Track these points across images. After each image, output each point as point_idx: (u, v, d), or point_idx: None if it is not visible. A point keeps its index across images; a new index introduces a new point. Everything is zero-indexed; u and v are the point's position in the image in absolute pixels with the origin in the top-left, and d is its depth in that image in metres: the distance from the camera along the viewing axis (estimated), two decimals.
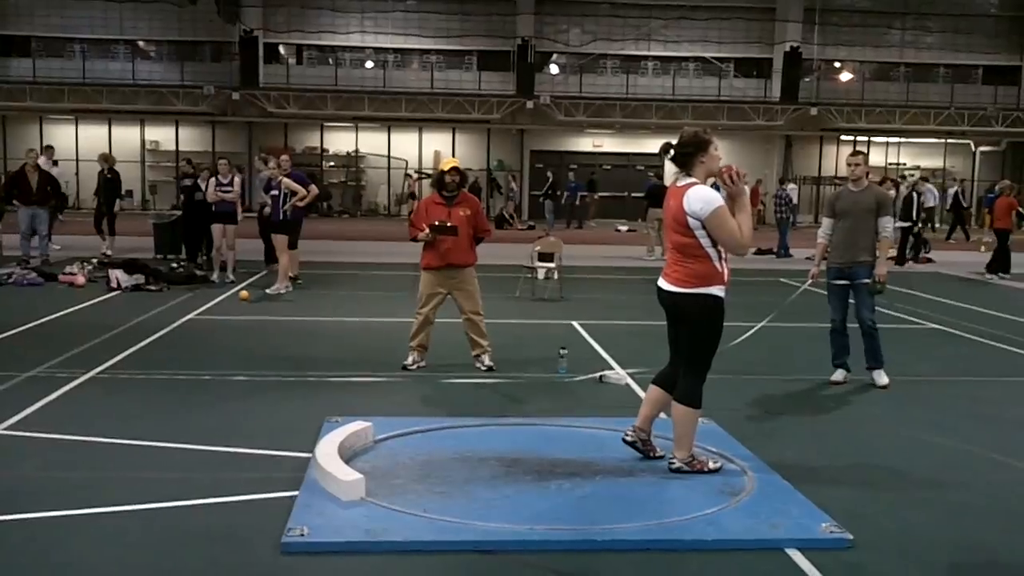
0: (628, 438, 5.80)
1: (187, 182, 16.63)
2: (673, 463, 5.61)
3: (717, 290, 5.39)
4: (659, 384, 5.78)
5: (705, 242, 5.34)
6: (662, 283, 5.56)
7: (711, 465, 5.63)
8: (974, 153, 37.28)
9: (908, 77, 36.44)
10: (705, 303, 5.39)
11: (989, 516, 5.18)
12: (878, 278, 8.22)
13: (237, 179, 14.61)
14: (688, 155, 5.41)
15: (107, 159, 18.14)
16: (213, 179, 14.51)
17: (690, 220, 5.30)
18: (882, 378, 8.34)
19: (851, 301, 8.37)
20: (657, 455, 5.80)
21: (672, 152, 5.49)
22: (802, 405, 7.78)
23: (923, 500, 5.43)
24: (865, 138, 35.58)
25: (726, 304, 5.49)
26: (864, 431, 6.97)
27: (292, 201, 13.29)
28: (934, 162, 37.26)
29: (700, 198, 5.28)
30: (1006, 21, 36.65)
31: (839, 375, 8.45)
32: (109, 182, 17.82)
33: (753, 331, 8.87)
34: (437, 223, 8.29)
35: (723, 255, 5.41)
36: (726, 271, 5.43)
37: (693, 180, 5.40)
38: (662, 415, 5.85)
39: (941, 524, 5.07)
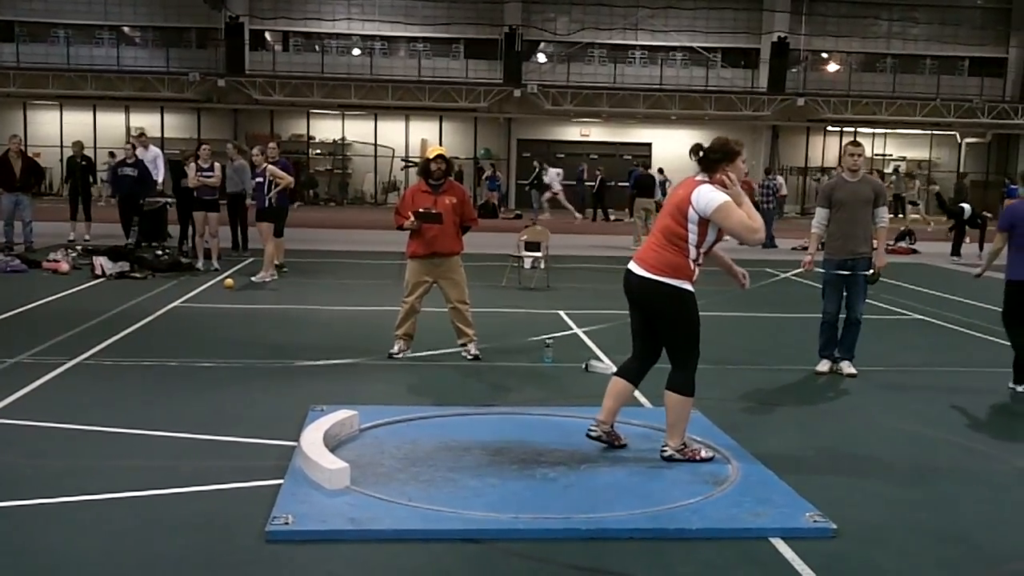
0: (593, 433, 5.79)
1: (127, 170, 16.09)
2: (665, 451, 5.64)
3: (686, 284, 5.50)
4: (623, 376, 5.81)
5: (692, 238, 5.45)
6: (634, 267, 5.63)
7: (703, 454, 5.66)
8: (960, 145, 37.43)
9: (895, 68, 36.55)
10: (673, 293, 5.48)
11: (972, 506, 5.22)
12: (877, 268, 8.24)
13: (217, 166, 14.55)
14: (715, 162, 5.56)
15: (78, 146, 18.17)
16: (194, 165, 14.45)
17: (691, 212, 5.43)
18: (851, 368, 8.39)
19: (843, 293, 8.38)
20: (622, 444, 5.83)
21: (702, 154, 5.63)
22: (787, 395, 7.81)
23: (906, 490, 5.46)
24: (851, 129, 35.68)
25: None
26: (848, 421, 7.00)
27: (277, 188, 13.24)
28: (920, 153, 37.42)
29: (708, 194, 5.43)
30: (992, 13, 36.76)
31: (825, 365, 8.47)
32: (84, 169, 17.72)
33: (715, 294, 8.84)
34: (422, 210, 8.27)
35: (699, 257, 5.53)
36: (696, 271, 5.55)
37: (707, 179, 5.54)
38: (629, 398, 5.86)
39: (924, 514, 5.09)
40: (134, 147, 16.92)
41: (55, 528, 4.55)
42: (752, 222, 5.46)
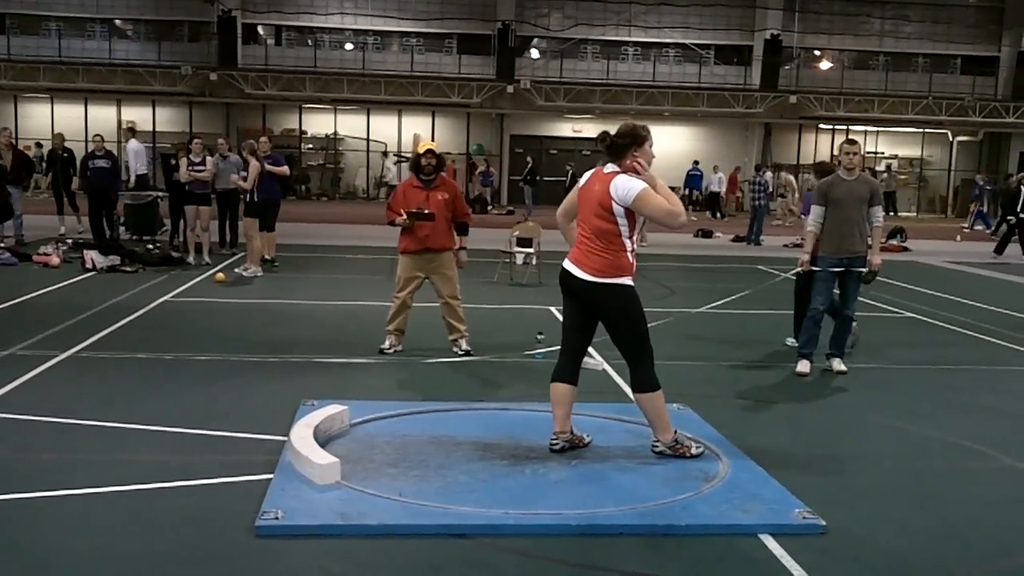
0: (556, 447, 5.70)
1: (101, 163, 15.70)
2: (657, 446, 5.66)
3: (629, 280, 5.52)
4: (561, 380, 5.76)
5: (624, 231, 5.45)
6: (574, 270, 5.57)
7: (694, 450, 5.67)
8: (951, 143, 37.52)
9: (887, 66, 36.59)
10: (623, 292, 5.50)
11: (961, 503, 5.23)
12: (873, 267, 8.23)
13: (209, 159, 14.50)
14: (624, 146, 5.51)
15: (59, 137, 18.14)
16: (185, 159, 14.40)
17: (615, 206, 5.40)
18: (842, 365, 8.40)
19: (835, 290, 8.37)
20: (585, 443, 5.81)
21: (608, 141, 5.59)
22: (777, 392, 7.81)
23: (896, 487, 5.48)
24: (844, 127, 35.74)
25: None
26: (838, 418, 7.02)
27: (237, 181, 13.19)
28: (912, 151, 37.51)
29: (625, 184, 5.39)
30: (985, 12, 36.82)
31: (805, 366, 8.33)
32: (65, 161, 17.64)
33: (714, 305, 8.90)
34: (415, 210, 8.26)
35: (634, 247, 5.54)
36: (635, 262, 5.57)
37: (618, 169, 5.50)
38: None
39: (913, 511, 5.10)
40: (102, 139, 16.58)
41: (44, 522, 4.54)
42: (672, 206, 5.41)
